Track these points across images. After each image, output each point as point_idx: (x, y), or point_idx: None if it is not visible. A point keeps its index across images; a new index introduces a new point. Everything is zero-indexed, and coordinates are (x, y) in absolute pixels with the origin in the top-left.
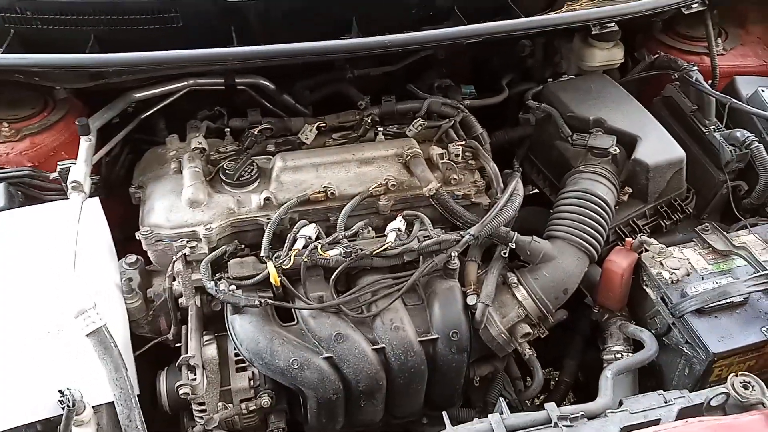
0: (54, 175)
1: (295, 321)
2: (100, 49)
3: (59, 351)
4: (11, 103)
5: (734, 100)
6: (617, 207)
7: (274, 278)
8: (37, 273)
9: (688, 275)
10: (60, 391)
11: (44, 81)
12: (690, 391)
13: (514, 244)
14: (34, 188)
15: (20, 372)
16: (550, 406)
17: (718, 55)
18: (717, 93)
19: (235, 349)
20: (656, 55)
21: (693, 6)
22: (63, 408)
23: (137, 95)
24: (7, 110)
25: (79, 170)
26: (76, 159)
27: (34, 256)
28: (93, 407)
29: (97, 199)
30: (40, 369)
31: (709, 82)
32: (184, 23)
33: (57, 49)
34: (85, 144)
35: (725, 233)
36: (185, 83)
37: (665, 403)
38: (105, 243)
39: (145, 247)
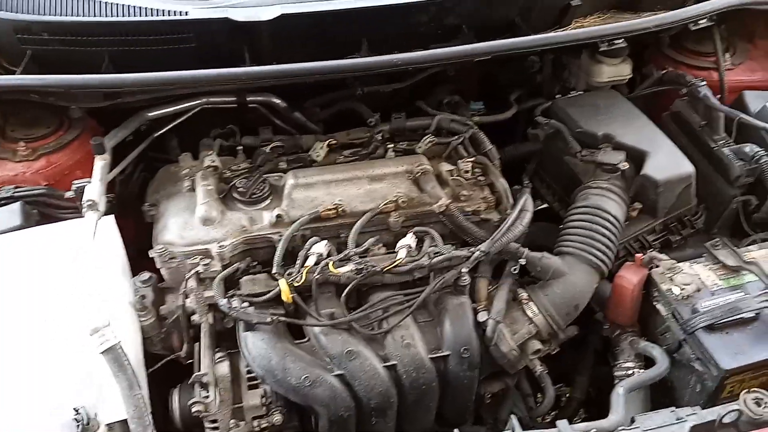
0: (69, 194)
1: (307, 338)
2: (115, 70)
3: (74, 369)
4: (27, 122)
5: (743, 115)
6: (627, 223)
7: (286, 295)
8: (52, 291)
9: (698, 291)
10: (75, 409)
11: (60, 101)
12: (702, 408)
13: (524, 260)
14: (49, 207)
15: (35, 390)
16: (562, 424)
17: (726, 69)
18: (725, 108)
19: (247, 366)
20: (664, 71)
21: (700, 22)
22: (78, 426)
23: (150, 114)
24: (23, 130)
25: (94, 189)
26: (91, 178)
27: (49, 275)
28: (107, 425)
29: (112, 217)
30: (55, 387)
31: (718, 96)
32: (197, 43)
33: (72, 69)
34: (100, 163)
35: (735, 248)
36: (198, 102)
37: (677, 420)
38: (119, 261)
39: (158, 265)
